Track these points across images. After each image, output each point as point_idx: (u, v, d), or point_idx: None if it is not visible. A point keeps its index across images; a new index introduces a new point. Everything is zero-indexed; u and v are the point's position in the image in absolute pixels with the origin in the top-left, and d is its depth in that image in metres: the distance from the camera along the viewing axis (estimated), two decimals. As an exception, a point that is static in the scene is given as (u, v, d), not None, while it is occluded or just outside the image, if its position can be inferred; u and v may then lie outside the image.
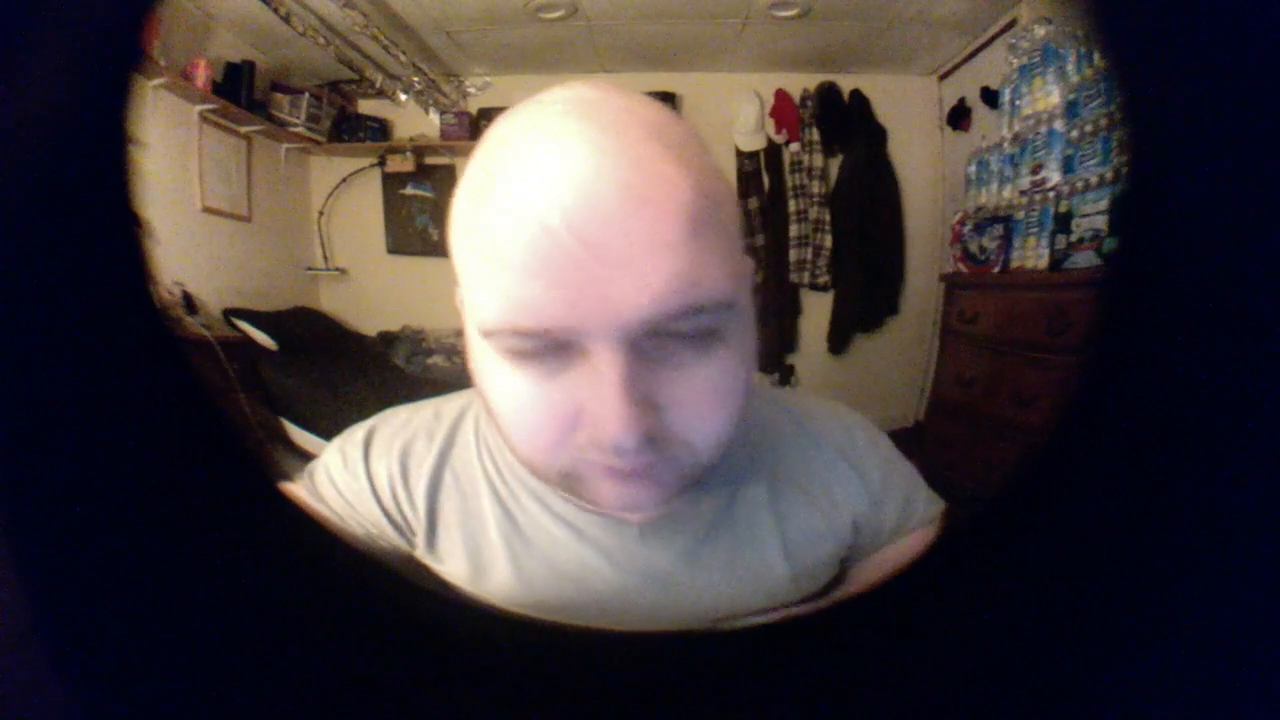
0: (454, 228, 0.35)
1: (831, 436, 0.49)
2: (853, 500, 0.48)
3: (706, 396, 0.33)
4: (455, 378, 0.57)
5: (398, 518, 0.48)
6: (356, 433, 0.50)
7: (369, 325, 2.99)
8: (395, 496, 0.48)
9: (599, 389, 0.30)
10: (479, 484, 0.48)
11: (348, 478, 0.49)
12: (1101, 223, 1.63)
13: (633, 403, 0.30)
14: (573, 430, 0.33)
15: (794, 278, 2.93)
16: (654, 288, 0.29)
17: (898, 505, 0.49)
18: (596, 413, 0.31)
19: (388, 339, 2.87)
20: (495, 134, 0.33)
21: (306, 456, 2.19)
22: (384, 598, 0.34)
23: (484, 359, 0.35)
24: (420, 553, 0.49)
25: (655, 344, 0.31)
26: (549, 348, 0.31)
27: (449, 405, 0.52)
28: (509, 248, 0.30)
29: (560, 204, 0.28)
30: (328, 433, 2.13)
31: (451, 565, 0.48)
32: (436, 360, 2.64)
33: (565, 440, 0.33)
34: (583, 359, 0.31)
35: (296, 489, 0.50)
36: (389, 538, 0.49)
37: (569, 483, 0.36)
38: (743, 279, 0.34)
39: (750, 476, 0.47)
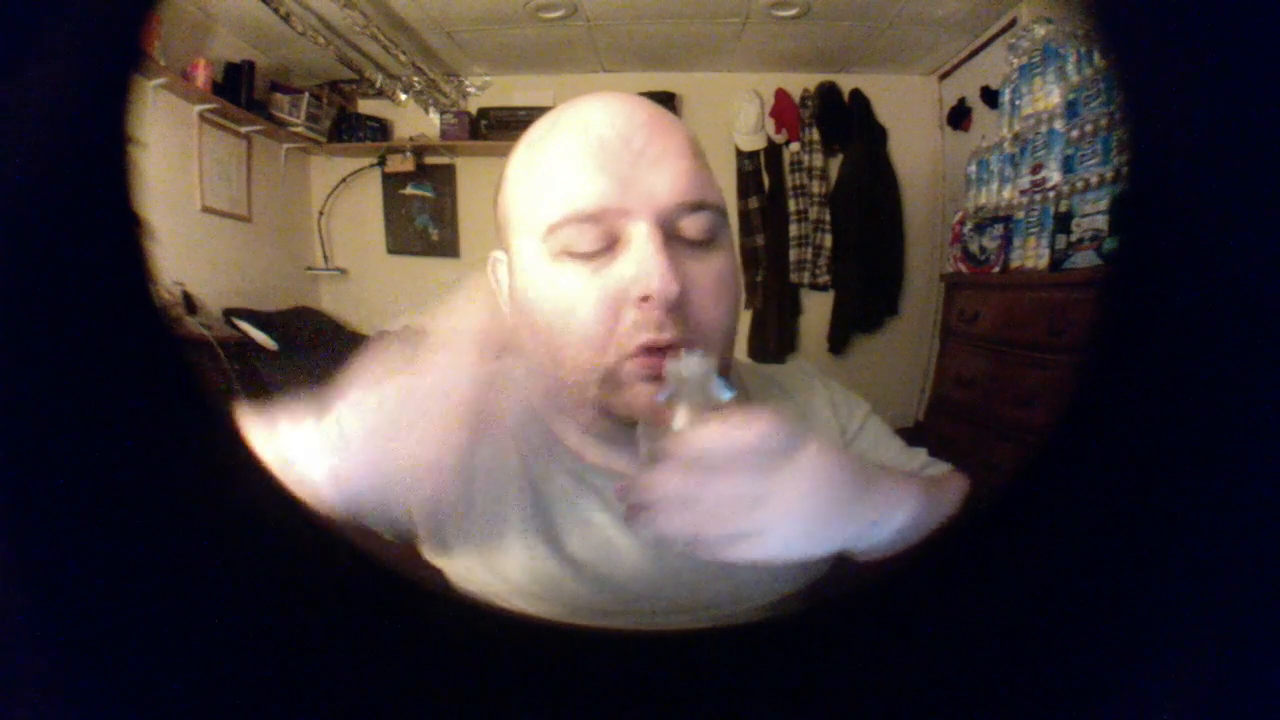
0: (510, 176, 0.46)
1: (794, 381, 0.59)
2: (828, 434, 0.54)
3: (714, 283, 0.42)
4: (455, 378, 0.57)
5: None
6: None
7: (369, 325, 2.99)
8: None
9: (642, 255, 0.39)
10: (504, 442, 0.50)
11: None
12: (1101, 223, 1.63)
13: (669, 260, 0.39)
14: (618, 316, 0.40)
15: (794, 277, 2.93)
16: (678, 180, 0.41)
17: (858, 420, 0.57)
18: (641, 273, 0.39)
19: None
20: (545, 116, 0.46)
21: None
22: (384, 597, 0.34)
23: (535, 282, 0.43)
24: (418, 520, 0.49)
25: (674, 244, 0.40)
26: (597, 238, 0.40)
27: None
28: (571, 156, 0.41)
29: (611, 123, 0.42)
30: (328, 433, 2.14)
31: (459, 532, 0.49)
32: (436, 360, 2.63)
33: (613, 328, 0.40)
34: (624, 249, 0.40)
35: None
36: (386, 505, 0.49)
37: (609, 390, 0.42)
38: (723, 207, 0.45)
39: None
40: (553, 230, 0.41)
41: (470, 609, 0.44)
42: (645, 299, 0.39)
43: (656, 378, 0.40)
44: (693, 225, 0.42)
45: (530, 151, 0.45)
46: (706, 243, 0.43)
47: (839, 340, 2.93)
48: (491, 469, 0.50)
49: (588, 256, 0.40)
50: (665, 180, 0.41)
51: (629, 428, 0.43)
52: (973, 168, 2.26)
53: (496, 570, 0.48)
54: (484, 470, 0.50)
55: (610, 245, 0.40)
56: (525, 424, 0.50)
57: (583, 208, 0.40)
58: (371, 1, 2.27)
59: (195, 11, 2.32)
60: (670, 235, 0.41)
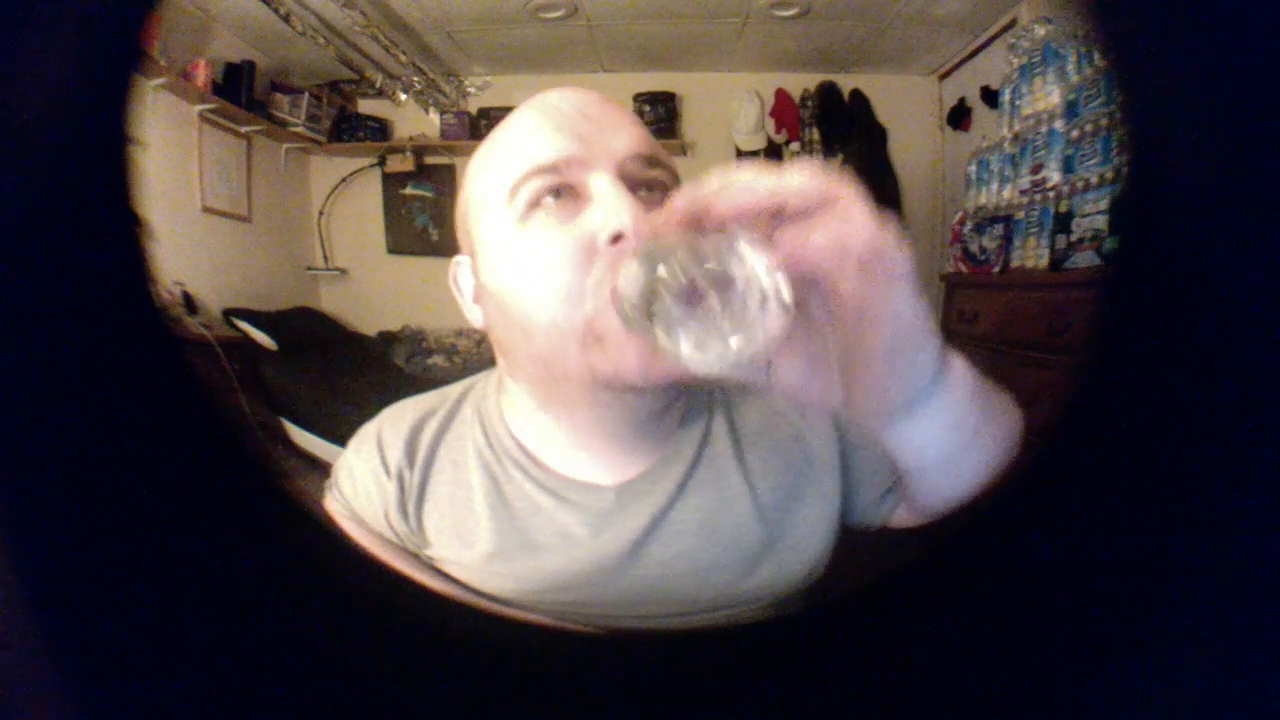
0: (470, 171, 0.47)
1: None
2: (824, 439, 0.50)
3: None
4: (455, 378, 0.58)
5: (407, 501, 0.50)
6: (369, 427, 0.53)
7: (369, 325, 2.99)
8: (401, 476, 0.50)
9: (608, 198, 0.40)
10: (469, 456, 0.50)
11: (365, 470, 0.51)
12: (1101, 223, 1.63)
13: (633, 200, 0.39)
14: (590, 263, 0.39)
15: (794, 278, 2.92)
16: (631, 136, 0.43)
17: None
18: (609, 215, 0.39)
19: (388, 339, 2.87)
20: (510, 114, 0.47)
21: (307, 456, 2.19)
22: (383, 596, 0.34)
23: (504, 250, 0.43)
24: (413, 535, 0.50)
25: (637, 196, 0.40)
26: (559, 189, 0.41)
27: (454, 387, 0.56)
28: (529, 126, 0.43)
29: (566, 99, 0.44)
30: (328, 433, 2.14)
31: (437, 541, 0.49)
32: (437, 360, 2.64)
33: (585, 275, 0.39)
34: (588, 204, 0.40)
35: (329, 507, 0.53)
36: (402, 531, 0.50)
37: (591, 348, 0.40)
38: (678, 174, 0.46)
39: (714, 413, 0.51)
40: (515, 191, 0.41)
41: (466, 610, 0.44)
42: (617, 238, 0.38)
43: None
44: (652, 180, 0.43)
45: (488, 143, 0.46)
46: (664, 196, 0.42)
47: (839, 340, 2.92)
48: (457, 453, 0.50)
49: (551, 209, 0.41)
50: (621, 137, 0.42)
51: (625, 405, 0.42)
52: (973, 168, 2.26)
53: (462, 561, 0.48)
54: (452, 454, 0.50)
55: (571, 199, 0.41)
56: (499, 440, 0.50)
57: (544, 160, 0.41)
58: (371, 1, 2.27)
59: (195, 11, 2.32)
60: (632, 189, 0.41)
